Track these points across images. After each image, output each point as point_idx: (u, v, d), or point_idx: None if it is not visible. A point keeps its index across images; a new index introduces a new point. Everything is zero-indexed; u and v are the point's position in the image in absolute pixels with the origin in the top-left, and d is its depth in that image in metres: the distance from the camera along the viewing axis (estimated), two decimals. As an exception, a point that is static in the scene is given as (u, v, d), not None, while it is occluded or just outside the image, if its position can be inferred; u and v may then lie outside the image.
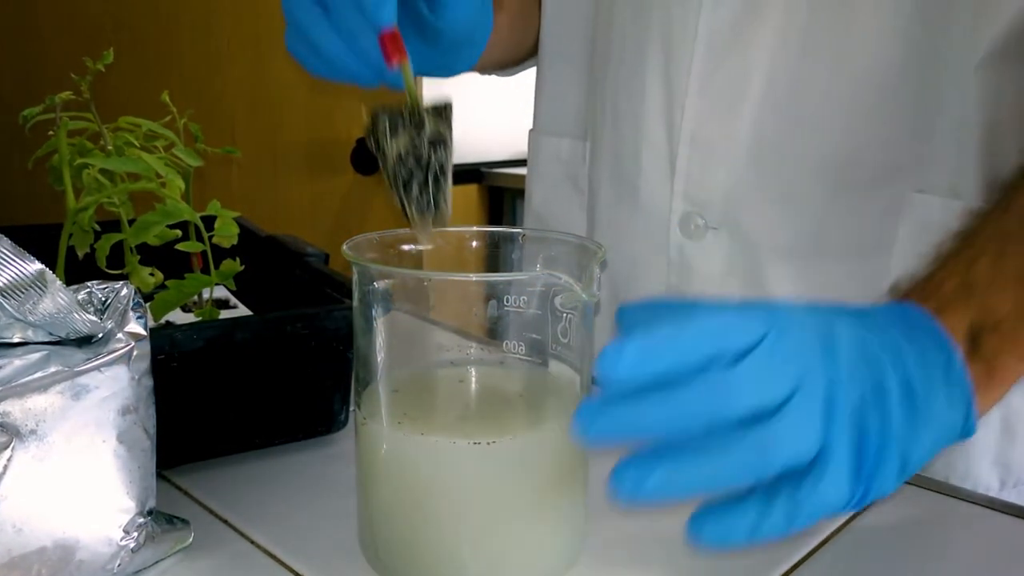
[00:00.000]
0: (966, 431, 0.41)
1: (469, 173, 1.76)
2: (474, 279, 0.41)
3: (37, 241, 0.52)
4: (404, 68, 0.44)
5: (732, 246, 0.67)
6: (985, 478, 0.63)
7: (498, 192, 1.79)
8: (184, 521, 0.47)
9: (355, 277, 0.44)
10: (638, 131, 0.69)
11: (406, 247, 0.47)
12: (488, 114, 1.66)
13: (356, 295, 0.44)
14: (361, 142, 1.42)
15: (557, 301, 0.42)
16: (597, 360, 0.35)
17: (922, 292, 0.44)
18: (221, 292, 0.70)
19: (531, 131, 0.84)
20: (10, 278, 0.38)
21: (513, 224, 1.57)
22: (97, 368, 0.41)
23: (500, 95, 1.49)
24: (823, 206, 0.64)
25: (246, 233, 0.70)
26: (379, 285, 0.43)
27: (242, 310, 0.69)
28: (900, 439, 0.38)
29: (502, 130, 1.71)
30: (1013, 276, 0.44)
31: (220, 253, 0.57)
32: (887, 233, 0.62)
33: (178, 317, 0.64)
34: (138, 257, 0.60)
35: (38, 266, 0.39)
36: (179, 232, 0.58)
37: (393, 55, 0.44)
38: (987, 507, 0.54)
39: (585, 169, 0.78)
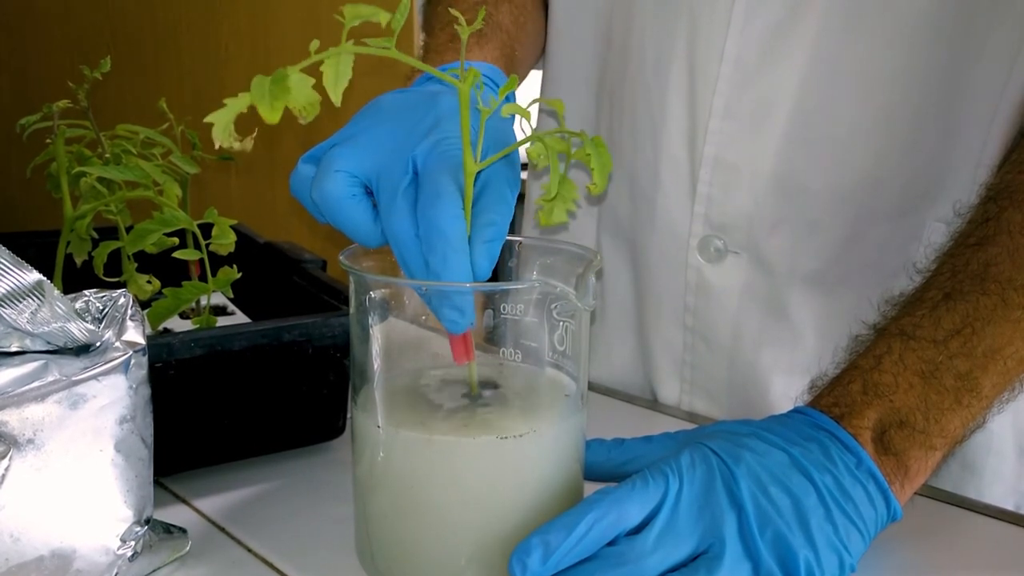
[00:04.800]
0: (893, 516, 0.45)
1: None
2: (470, 288, 0.41)
3: (35, 248, 0.52)
4: (470, 366, 0.44)
5: (752, 271, 0.66)
6: (999, 505, 0.63)
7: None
8: (181, 529, 0.47)
9: (352, 286, 0.44)
10: (658, 148, 0.68)
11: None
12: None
13: (353, 303, 0.44)
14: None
15: (554, 309, 0.42)
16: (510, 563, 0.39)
17: (830, 396, 0.48)
18: (219, 299, 0.70)
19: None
20: (8, 288, 0.38)
21: (514, 227, 1.57)
22: (95, 377, 0.41)
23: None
24: (846, 234, 0.63)
25: (244, 239, 0.70)
26: (375, 294, 0.43)
27: (240, 317, 0.69)
28: (827, 547, 0.41)
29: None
30: (916, 371, 0.47)
31: (218, 260, 0.57)
32: (909, 261, 0.62)
33: (176, 324, 0.64)
34: (135, 265, 0.60)
35: (36, 276, 0.39)
36: (176, 240, 0.58)
37: (461, 356, 0.43)
38: (996, 518, 0.54)
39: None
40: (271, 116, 0.35)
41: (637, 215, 0.71)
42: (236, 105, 0.35)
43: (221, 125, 0.35)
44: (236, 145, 0.37)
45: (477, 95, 0.41)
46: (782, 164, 0.63)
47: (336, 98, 0.37)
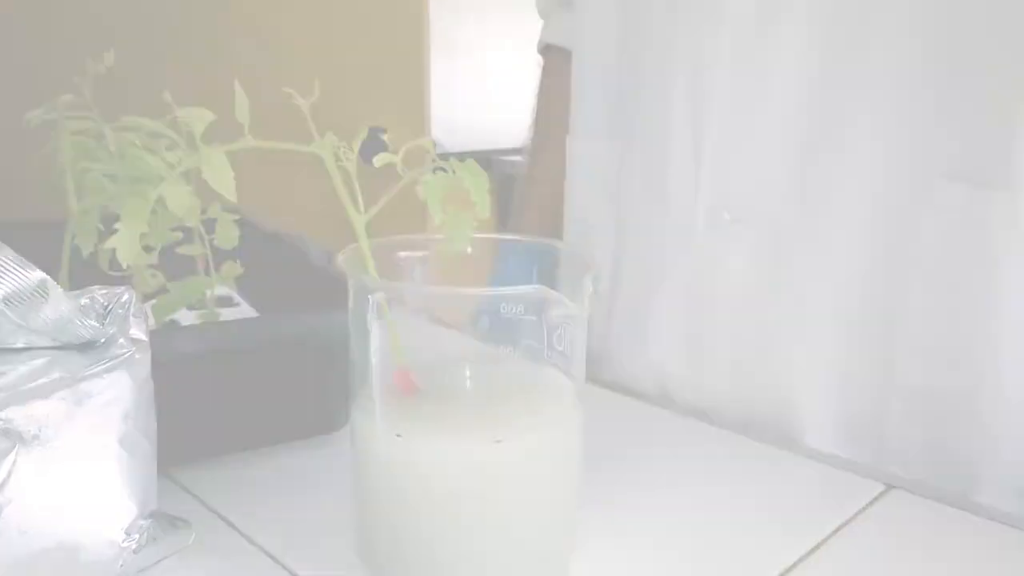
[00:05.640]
0: None
1: (478, 161, 1.75)
2: (468, 292, 0.41)
3: (42, 238, 0.53)
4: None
5: (758, 240, 0.67)
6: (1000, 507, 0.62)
7: (508, 180, 1.78)
8: (185, 521, 0.48)
9: (351, 285, 0.45)
10: (666, 127, 0.69)
11: (402, 254, 0.47)
12: (499, 99, 1.65)
13: (352, 302, 0.45)
14: (370, 132, 1.42)
15: (551, 310, 0.43)
16: None
17: None
18: (224, 289, 0.71)
19: (568, 136, 0.83)
20: (12, 287, 0.39)
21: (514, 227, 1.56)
22: (99, 374, 0.42)
23: (511, 79, 1.47)
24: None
25: (250, 229, 0.70)
26: (374, 295, 0.43)
27: (245, 307, 0.69)
28: None
29: (513, 116, 1.70)
30: None
31: (223, 251, 0.58)
32: (915, 231, 0.61)
33: (182, 315, 0.65)
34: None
35: (40, 274, 0.39)
36: (180, 234, 0.58)
37: (406, 390, 0.45)
38: (997, 520, 0.54)
39: (614, 172, 0.77)
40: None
41: (648, 194, 0.72)
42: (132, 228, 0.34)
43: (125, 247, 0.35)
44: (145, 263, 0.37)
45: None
46: (789, 145, 0.64)
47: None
